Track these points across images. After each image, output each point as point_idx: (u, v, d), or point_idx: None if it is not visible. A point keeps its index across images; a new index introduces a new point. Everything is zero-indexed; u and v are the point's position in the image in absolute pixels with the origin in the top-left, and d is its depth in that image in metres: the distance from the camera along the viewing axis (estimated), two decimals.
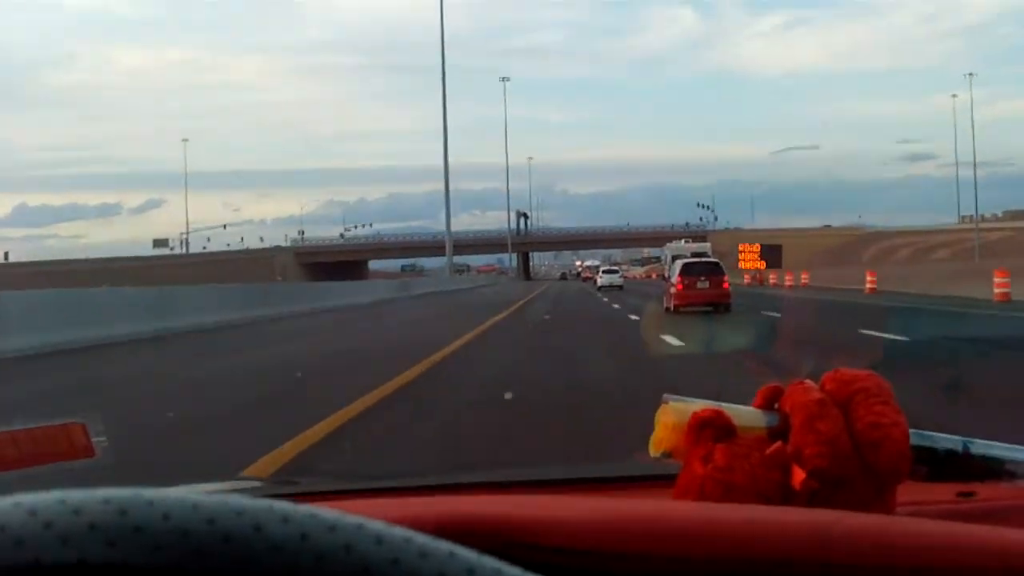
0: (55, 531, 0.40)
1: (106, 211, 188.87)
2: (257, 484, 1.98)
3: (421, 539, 0.37)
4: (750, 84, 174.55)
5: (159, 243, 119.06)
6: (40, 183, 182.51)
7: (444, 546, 0.38)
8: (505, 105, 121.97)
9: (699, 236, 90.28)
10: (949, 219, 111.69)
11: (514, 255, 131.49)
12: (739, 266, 49.99)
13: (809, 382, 0.95)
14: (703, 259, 26.42)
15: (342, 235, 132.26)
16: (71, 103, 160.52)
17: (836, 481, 0.88)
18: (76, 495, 0.42)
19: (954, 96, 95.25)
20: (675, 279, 25.49)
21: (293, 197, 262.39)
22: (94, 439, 1.02)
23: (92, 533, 0.40)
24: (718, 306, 24.85)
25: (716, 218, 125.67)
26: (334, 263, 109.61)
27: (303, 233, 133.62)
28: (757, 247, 51.11)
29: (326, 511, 0.38)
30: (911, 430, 0.93)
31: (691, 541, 0.64)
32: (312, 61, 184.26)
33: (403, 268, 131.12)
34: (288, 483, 1.90)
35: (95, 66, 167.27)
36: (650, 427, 0.95)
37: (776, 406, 0.95)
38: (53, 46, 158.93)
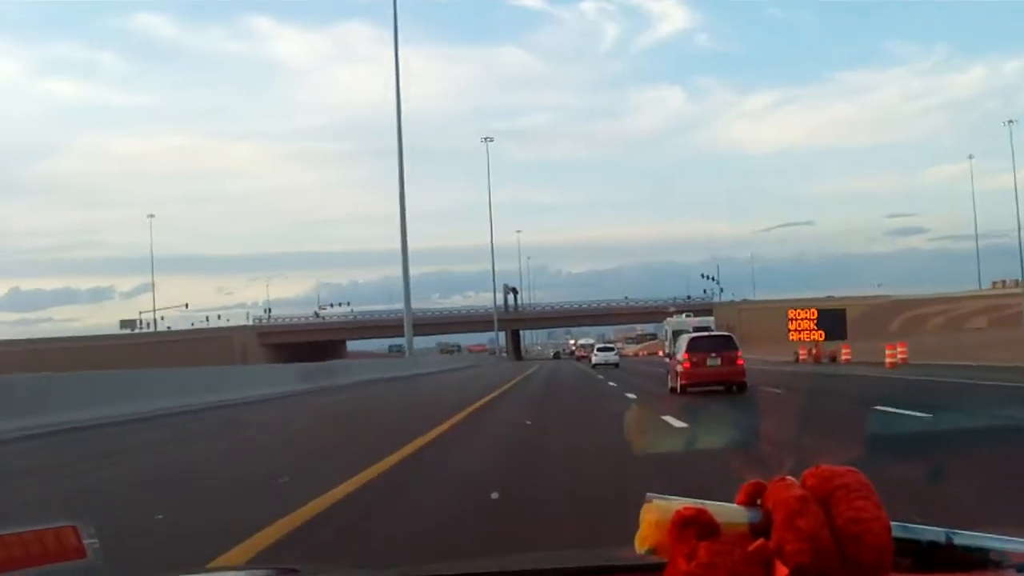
0: None
1: (99, 295, 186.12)
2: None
3: None
4: (740, 162, 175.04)
5: (126, 323, 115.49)
6: (34, 268, 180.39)
7: None
8: (488, 167, 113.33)
9: (703, 308, 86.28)
10: (949, 289, 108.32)
11: (503, 333, 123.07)
12: (791, 338, 45.01)
13: (790, 478, 0.98)
14: (712, 333, 23.34)
15: (317, 314, 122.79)
16: (64, 189, 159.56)
17: None
18: None
19: (968, 159, 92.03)
20: (682, 355, 22.46)
21: (285, 280, 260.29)
22: (85, 541, 1.05)
23: None
24: (731, 385, 21.89)
25: (722, 290, 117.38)
26: (305, 344, 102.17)
27: (269, 311, 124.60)
28: (814, 313, 44.68)
29: None
30: (894, 523, 0.95)
31: None
32: (300, 147, 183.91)
33: (391, 348, 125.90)
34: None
35: (88, 153, 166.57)
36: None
37: (758, 502, 0.98)
38: (46, 134, 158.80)
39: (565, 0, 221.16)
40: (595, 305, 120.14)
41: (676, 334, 50.14)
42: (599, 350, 60.82)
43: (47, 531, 1.03)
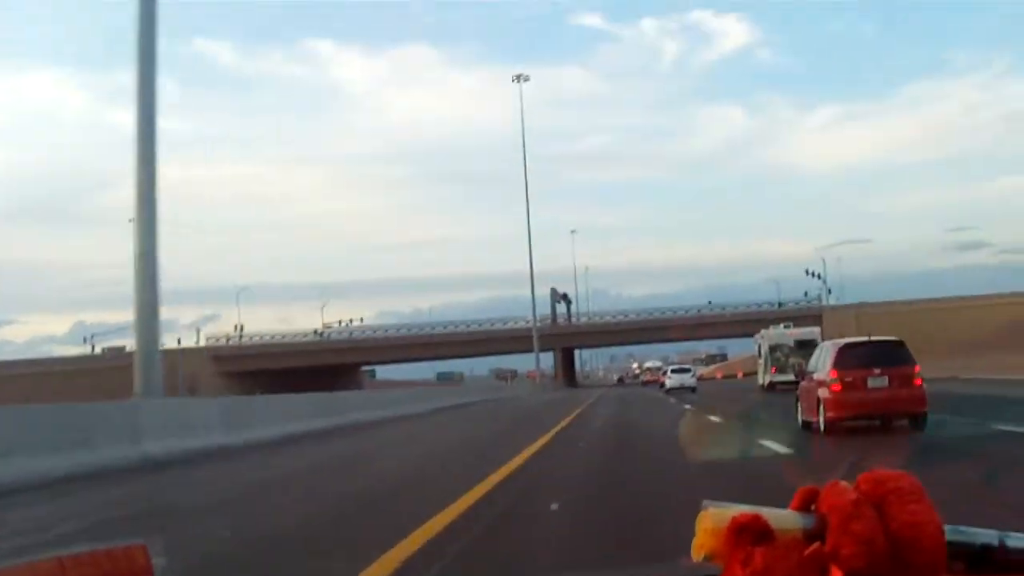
0: None
1: (162, 327, 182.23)
2: None
3: None
4: (800, 179, 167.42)
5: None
6: (97, 301, 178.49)
7: None
8: (523, 117, 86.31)
9: (807, 315, 74.06)
10: None
11: (552, 352, 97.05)
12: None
13: (844, 483, 1.00)
14: (875, 339, 16.03)
15: (320, 333, 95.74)
16: (125, 221, 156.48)
17: None
18: None
19: None
20: (826, 373, 15.29)
21: (347, 307, 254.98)
22: (154, 560, 1.04)
23: None
24: (902, 418, 14.81)
25: (830, 291, 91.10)
26: (298, 369, 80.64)
27: (241, 328, 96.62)
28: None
29: None
30: (947, 526, 0.97)
31: None
32: (362, 172, 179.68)
33: (439, 376, 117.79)
34: None
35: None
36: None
37: (812, 508, 1.00)
38: (110, 164, 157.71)
39: (626, 18, 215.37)
40: (666, 315, 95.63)
41: (774, 349, 42.72)
42: (673, 372, 53.31)
43: (116, 549, 1.03)
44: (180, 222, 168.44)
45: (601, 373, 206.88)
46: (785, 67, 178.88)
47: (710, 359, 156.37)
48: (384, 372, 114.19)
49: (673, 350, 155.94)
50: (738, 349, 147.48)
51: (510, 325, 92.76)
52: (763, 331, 41.16)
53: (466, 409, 40.72)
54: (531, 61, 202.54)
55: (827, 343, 16.63)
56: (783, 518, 0.98)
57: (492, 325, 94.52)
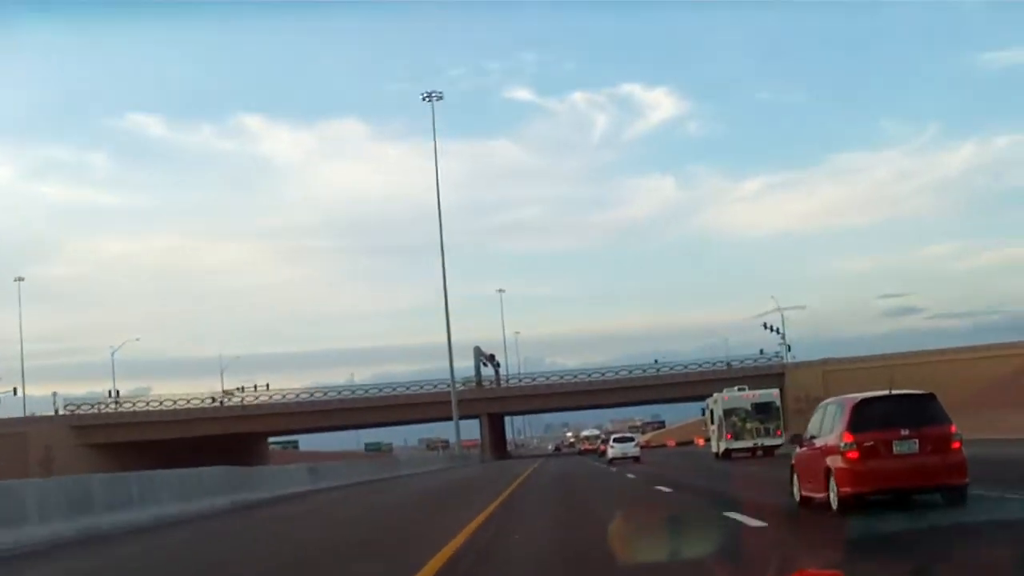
0: None
1: (92, 400, 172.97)
2: None
3: None
4: (732, 248, 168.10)
5: None
6: (26, 375, 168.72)
7: None
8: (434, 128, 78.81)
9: (771, 373, 71.18)
10: None
11: (480, 420, 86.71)
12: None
13: None
14: (900, 392, 12.73)
15: (221, 401, 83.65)
16: (55, 295, 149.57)
17: None
18: None
19: None
20: (839, 436, 12.01)
21: (278, 380, 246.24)
22: None
23: None
24: (938, 492, 11.77)
25: (790, 348, 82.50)
26: (188, 440, 72.31)
27: (116, 393, 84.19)
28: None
29: None
30: None
31: None
32: (289, 244, 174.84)
33: (367, 448, 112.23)
34: None
35: (79, 256, 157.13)
36: None
37: None
38: (36, 238, 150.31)
39: (556, 92, 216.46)
40: (605, 376, 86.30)
41: (729, 414, 39.58)
42: (616, 441, 49.88)
43: None
44: (113, 296, 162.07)
45: (536, 442, 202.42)
46: (714, 137, 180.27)
47: (644, 428, 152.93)
48: (311, 443, 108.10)
49: (606, 417, 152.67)
50: (676, 416, 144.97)
51: (431, 389, 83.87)
52: (716, 395, 38.12)
53: (342, 492, 30.73)
54: (461, 135, 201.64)
55: (833, 400, 13.29)
56: None
57: (411, 389, 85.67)
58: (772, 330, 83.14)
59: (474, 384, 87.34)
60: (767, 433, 35.31)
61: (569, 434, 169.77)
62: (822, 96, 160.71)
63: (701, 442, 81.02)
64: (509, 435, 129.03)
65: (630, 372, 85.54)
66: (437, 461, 71.50)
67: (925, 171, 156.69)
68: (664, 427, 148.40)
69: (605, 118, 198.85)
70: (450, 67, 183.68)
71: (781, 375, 74.50)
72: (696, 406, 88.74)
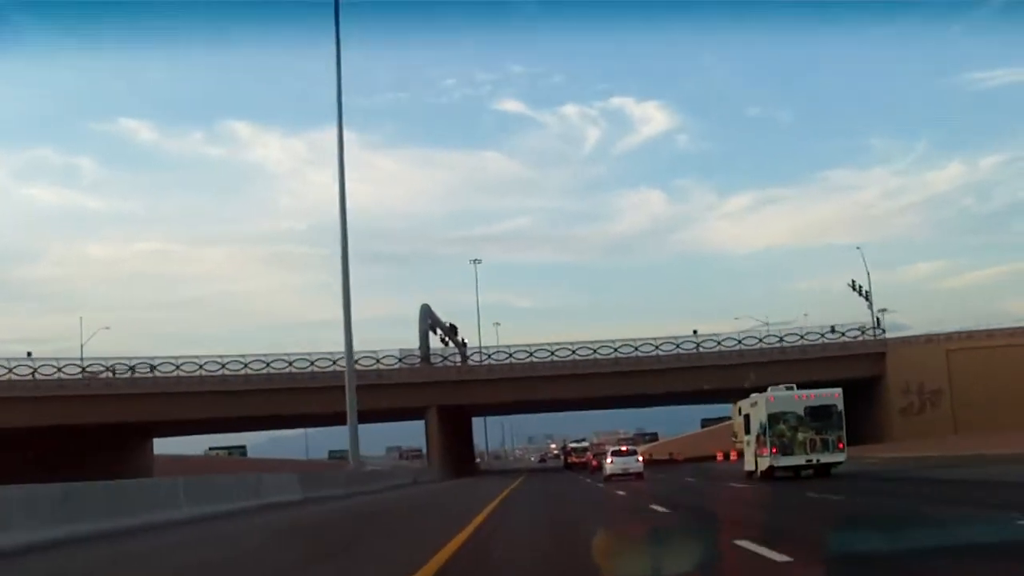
0: None
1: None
2: None
3: None
4: (719, 262, 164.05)
5: None
6: None
7: None
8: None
9: (866, 353, 57.69)
10: None
11: (428, 419, 61.09)
12: None
13: None
14: None
15: (85, 372, 59.48)
16: (42, 296, 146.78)
17: None
18: None
19: None
20: None
21: None
22: None
23: None
24: None
25: (879, 322, 61.10)
26: (40, 430, 52.86)
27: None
28: None
29: None
30: None
31: None
32: (275, 249, 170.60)
33: (330, 455, 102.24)
34: None
35: (66, 259, 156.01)
36: None
37: None
38: (23, 241, 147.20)
39: (548, 104, 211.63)
40: (620, 355, 61.94)
41: (775, 420, 30.14)
42: (615, 455, 40.65)
43: None
44: (99, 297, 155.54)
45: (517, 454, 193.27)
46: (704, 152, 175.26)
47: (637, 440, 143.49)
48: (260, 448, 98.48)
49: (590, 428, 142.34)
50: (669, 429, 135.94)
51: (333, 368, 54.03)
52: (755, 395, 28.95)
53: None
54: (455, 145, 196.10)
55: None
56: None
57: (301, 368, 59.27)
58: (858, 291, 60.97)
59: (419, 361, 61.18)
60: (825, 447, 26.15)
61: (553, 445, 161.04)
62: (809, 113, 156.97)
63: (728, 456, 60.53)
64: (480, 444, 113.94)
65: (656, 348, 61.12)
66: (289, 486, 25.01)
67: (913, 189, 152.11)
68: (657, 440, 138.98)
69: (596, 131, 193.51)
70: (442, 78, 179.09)
71: (880, 357, 58.00)
72: (697, 415, 78.35)
